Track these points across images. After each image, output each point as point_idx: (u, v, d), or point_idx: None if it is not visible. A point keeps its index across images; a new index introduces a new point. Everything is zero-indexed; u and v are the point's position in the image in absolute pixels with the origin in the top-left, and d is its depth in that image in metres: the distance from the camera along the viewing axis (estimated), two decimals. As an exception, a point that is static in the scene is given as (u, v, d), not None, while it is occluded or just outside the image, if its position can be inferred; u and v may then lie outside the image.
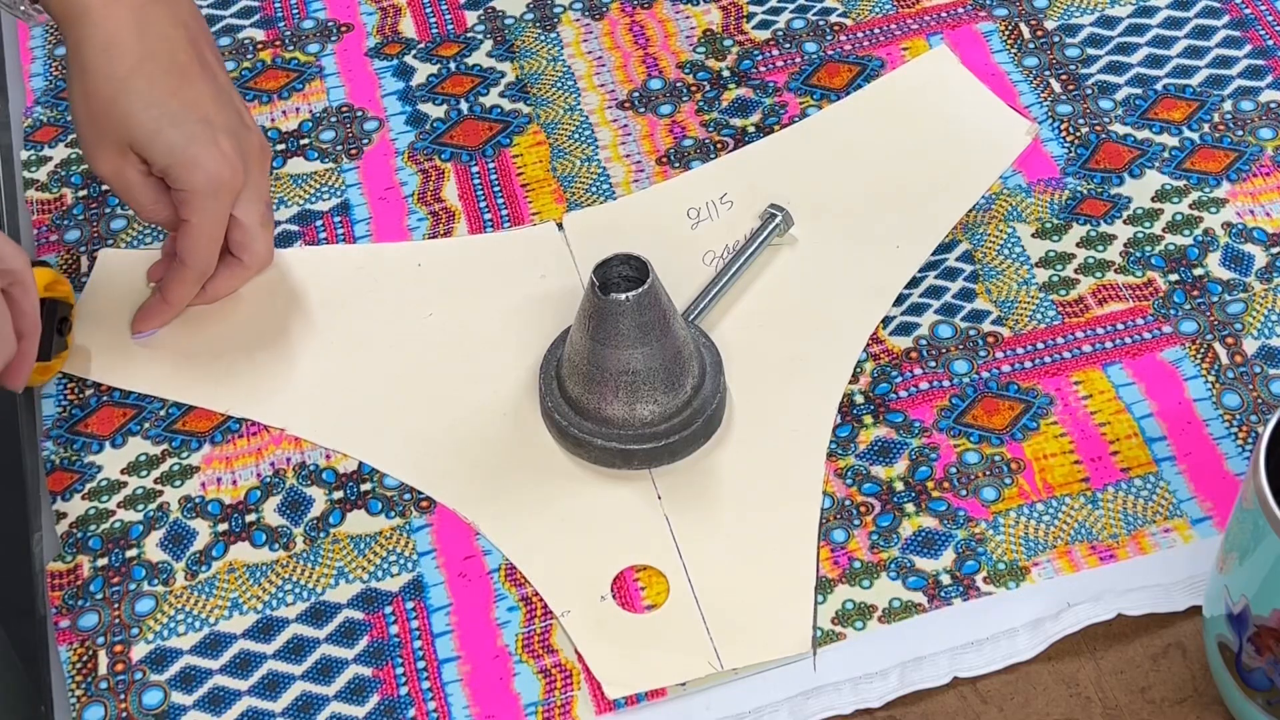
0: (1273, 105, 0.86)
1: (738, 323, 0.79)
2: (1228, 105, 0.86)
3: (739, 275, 0.79)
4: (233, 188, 0.74)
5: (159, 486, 0.74)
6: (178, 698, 0.68)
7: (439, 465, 0.74)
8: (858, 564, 0.70)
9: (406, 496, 0.73)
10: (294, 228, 0.84)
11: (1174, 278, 0.79)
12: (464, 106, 0.89)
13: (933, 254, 0.81)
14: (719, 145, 0.86)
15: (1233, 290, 0.78)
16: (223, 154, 0.73)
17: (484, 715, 0.67)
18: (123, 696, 0.68)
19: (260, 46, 0.92)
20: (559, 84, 0.90)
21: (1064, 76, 0.88)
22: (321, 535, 0.72)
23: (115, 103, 0.73)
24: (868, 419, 0.75)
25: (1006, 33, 0.91)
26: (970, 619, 0.68)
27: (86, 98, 0.73)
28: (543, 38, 0.92)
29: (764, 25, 0.92)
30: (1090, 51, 0.89)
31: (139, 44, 0.73)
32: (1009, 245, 0.81)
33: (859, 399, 0.76)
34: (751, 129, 0.87)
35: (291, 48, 0.92)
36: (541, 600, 0.70)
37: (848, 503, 0.72)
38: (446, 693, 0.67)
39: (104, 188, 0.85)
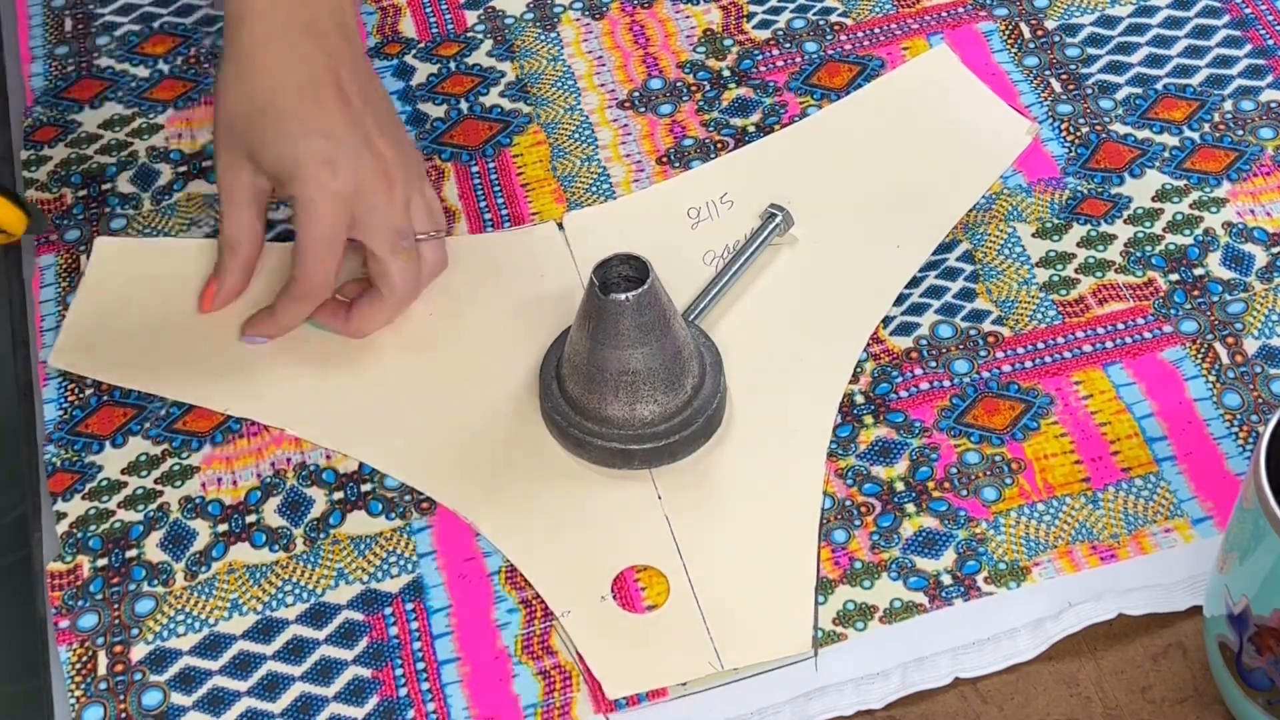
0: (1273, 105, 0.86)
1: (738, 323, 0.78)
2: (1228, 105, 0.86)
3: (739, 275, 0.79)
4: (338, 205, 0.73)
5: (159, 487, 0.74)
6: (177, 698, 0.68)
7: (439, 465, 0.74)
8: (858, 564, 0.70)
9: (407, 497, 0.73)
10: (294, 228, 0.84)
11: (1174, 277, 0.79)
12: (464, 106, 0.89)
13: (933, 254, 0.81)
14: (719, 145, 0.86)
15: (1233, 290, 0.78)
16: (331, 171, 0.73)
17: (483, 716, 0.67)
18: (122, 697, 0.68)
19: (260, 46, 0.92)
20: (559, 84, 0.90)
21: (1064, 76, 0.88)
22: (321, 536, 0.72)
23: (239, 110, 0.75)
24: (868, 419, 0.75)
25: (1007, 32, 0.91)
26: (971, 619, 0.68)
27: (218, 101, 0.76)
28: (543, 37, 0.92)
29: (764, 25, 0.92)
30: (1090, 51, 0.89)
31: (274, 58, 0.74)
32: (1009, 245, 0.81)
33: (859, 399, 0.76)
34: (751, 129, 0.87)
35: (291, 48, 0.92)
36: (541, 602, 0.70)
37: (848, 503, 0.72)
38: (446, 694, 0.67)
39: (104, 187, 0.85)
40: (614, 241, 0.80)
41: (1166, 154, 0.84)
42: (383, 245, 0.75)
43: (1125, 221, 0.81)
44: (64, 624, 0.70)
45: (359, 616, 0.70)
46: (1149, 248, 0.80)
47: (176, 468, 0.75)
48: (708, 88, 0.89)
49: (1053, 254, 0.80)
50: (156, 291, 0.81)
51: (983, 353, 0.77)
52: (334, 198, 0.73)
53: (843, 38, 0.91)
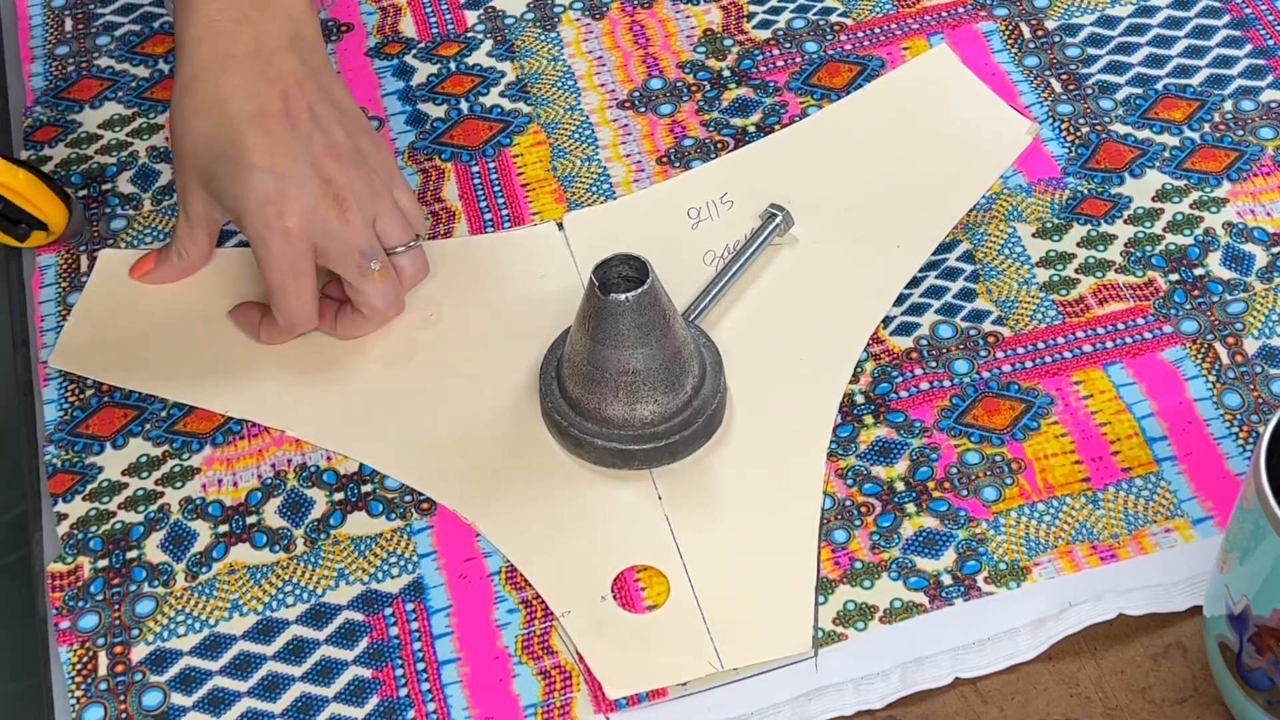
0: (1273, 105, 0.86)
1: (738, 323, 0.78)
2: (1228, 105, 0.86)
3: (739, 275, 0.79)
4: (291, 242, 0.72)
5: (160, 488, 0.74)
6: (177, 699, 0.68)
7: (439, 466, 0.74)
8: (859, 564, 0.70)
9: (407, 498, 0.73)
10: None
11: (1174, 277, 0.79)
12: (464, 106, 0.89)
13: (933, 254, 0.81)
14: (719, 145, 0.86)
15: (1233, 290, 0.78)
16: (278, 209, 0.72)
17: (483, 716, 0.67)
18: (123, 697, 0.68)
19: (260, 46, 0.92)
20: (559, 84, 0.90)
21: (1064, 76, 0.88)
22: (322, 537, 0.72)
23: (189, 143, 0.75)
24: (868, 419, 0.75)
25: (1007, 32, 0.91)
26: (971, 619, 0.68)
27: (171, 129, 0.77)
28: (543, 37, 0.92)
29: (764, 25, 0.92)
30: (1091, 51, 0.89)
31: (216, 89, 0.74)
32: (1009, 245, 0.81)
33: (859, 399, 0.76)
34: (751, 129, 0.87)
35: (291, 48, 0.92)
36: (542, 602, 0.70)
37: (848, 503, 0.72)
38: (446, 694, 0.67)
39: (104, 187, 0.85)
40: (614, 241, 0.80)
41: (1166, 154, 0.84)
42: (349, 270, 0.75)
43: (1125, 221, 0.81)
44: (64, 625, 0.70)
45: (359, 617, 0.70)
46: (1149, 248, 0.80)
47: (177, 469, 0.75)
48: (708, 88, 0.89)
49: (1053, 254, 0.80)
50: (158, 296, 0.81)
51: (983, 353, 0.77)
52: (285, 236, 0.72)
53: (843, 38, 0.91)
